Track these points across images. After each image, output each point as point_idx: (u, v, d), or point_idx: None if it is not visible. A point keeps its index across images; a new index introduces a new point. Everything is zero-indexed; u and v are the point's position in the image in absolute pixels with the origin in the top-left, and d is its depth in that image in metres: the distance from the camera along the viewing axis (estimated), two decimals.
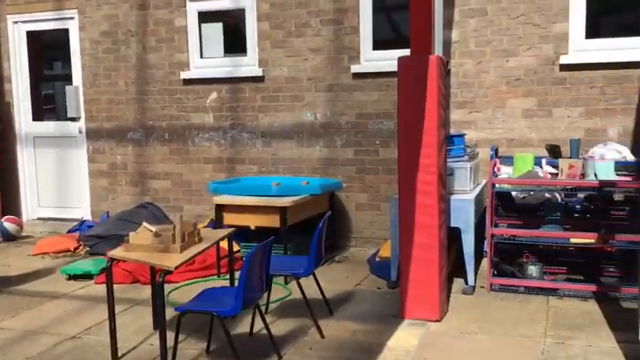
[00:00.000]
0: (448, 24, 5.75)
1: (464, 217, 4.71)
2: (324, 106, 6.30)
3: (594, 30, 5.42)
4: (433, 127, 4.06)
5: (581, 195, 5.01)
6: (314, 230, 4.20)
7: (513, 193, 5.12)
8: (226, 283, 4.78)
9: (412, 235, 4.21)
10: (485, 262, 5.40)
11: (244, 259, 3.40)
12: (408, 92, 4.12)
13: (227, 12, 6.80)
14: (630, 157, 4.78)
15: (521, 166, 4.81)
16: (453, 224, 4.69)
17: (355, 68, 6.12)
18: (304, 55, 6.32)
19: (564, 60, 5.40)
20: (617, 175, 4.65)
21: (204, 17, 6.83)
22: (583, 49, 5.39)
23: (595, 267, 4.99)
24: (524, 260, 4.90)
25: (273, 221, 5.34)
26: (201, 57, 6.85)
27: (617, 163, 4.67)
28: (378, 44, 6.15)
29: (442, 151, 4.22)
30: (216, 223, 5.58)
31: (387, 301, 4.70)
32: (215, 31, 6.92)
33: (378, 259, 5.50)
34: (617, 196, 5.03)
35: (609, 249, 4.84)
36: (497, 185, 4.85)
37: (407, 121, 4.14)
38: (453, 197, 4.71)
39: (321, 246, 4.27)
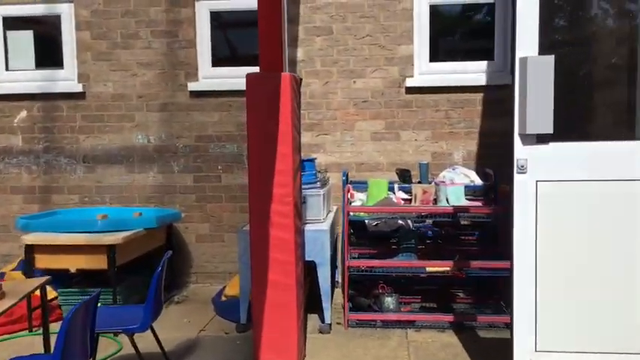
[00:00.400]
0: (293, 42, 5.42)
1: (319, 249, 4.33)
2: (157, 128, 5.63)
3: (439, 53, 5.41)
4: (288, 152, 3.63)
5: (429, 220, 4.91)
6: (148, 268, 3.54)
7: (366, 221, 4.88)
8: (40, 341, 3.91)
9: (266, 273, 3.73)
10: (338, 294, 5.11)
11: (63, 319, 2.67)
12: (258, 113, 3.65)
13: (39, 19, 5.86)
14: (478, 181, 4.76)
15: (376, 193, 4.57)
16: (307, 257, 4.29)
17: (193, 86, 5.54)
18: (133, 69, 5.61)
19: (410, 83, 5.31)
20: (467, 199, 4.59)
21: (11, 24, 5.82)
22: (427, 72, 5.35)
23: (447, 294, 4.91)
24: (380, 292, 4.65)
25: (98, 262, 4.54)
26: (7, 69, 5.83)
27: (466, 187, 4.62)
28: (219, 61, 5.64)
29: (297, 179, 3.81)
30: (26, 267, 4.64)
31: (238, 348, 4.16)
32: (24, 40, 5.92)
33: (224, 298, 4.94)
34: (464, 221, 5.00)
35: (460, 275, 4.76)
36: (351, 213, 4.56)
37: (258, 145, 3.66)
38: (307, 228, 4.31)
39: (161, 293, 3.62)
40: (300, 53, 5.43)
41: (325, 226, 4.46)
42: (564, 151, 2.98)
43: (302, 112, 5.39)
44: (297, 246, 3.76)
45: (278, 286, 3.73)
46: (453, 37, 5.58)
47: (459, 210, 4.39)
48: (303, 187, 4.35)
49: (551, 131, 2.90)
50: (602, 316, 3.06)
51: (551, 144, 2.98)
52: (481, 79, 5.24)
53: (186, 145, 5.61)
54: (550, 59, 2.85)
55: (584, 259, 3.04)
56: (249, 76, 3.67)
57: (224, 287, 5.15)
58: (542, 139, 2.97)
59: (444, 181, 4.68)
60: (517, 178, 3.00)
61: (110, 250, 4.53)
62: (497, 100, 5.24)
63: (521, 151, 2.98)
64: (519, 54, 2.91)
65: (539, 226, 3.03)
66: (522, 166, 2.98)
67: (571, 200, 3.00)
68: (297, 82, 3.84)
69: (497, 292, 4.77)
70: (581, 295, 3.06)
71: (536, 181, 3.00)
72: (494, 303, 4.71)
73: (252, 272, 3.78)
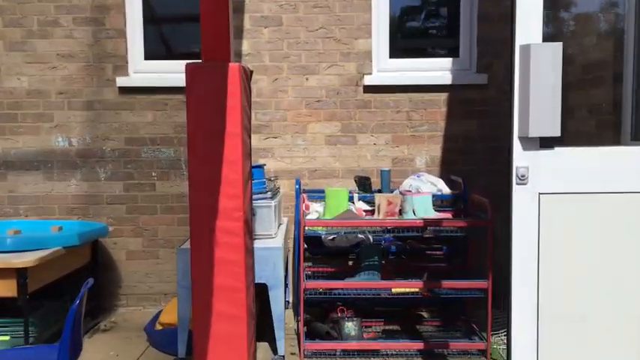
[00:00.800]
0: (238, 32, 4.82)
1: (272, 270, 3.75)
2: (81, 129, 4.90)
3: (399, 49, 4.94)
4: (237, 158, 3.04)
5: (389, 234, 4.40)
6: (69, 292, 2.87)
7: (322, 235, 4.33)
8: None
9: (210, 302, 3.13)
10: (290, 317, 4.55)
11: None
12: (201, 111, 3.05)
13: None
14: (446, 190, 4.30)
15: (335, 204, 4.03)
16: (257, 280, 3.70)
17: (122, 81, 4.85)
18: (52, 62, 4.87)
19: (368, 81, 4.81)
20: (434, 210, 4.12)
21: None
22: (387, 69, 4.86)
23: (412, 315, 4.44)
24: (339, 315, 4.11)
25: (5, 289, 3.79)
26: None
27: (434, 196, 4.16)
28: (153, 56, 4.97)
29: (248, 190, 3.23)
30: None
31: None
32: None
33: (159, 326, 4.26)
34: (428, 234, 4.51)
35: (428, 295, 4.29)
36: (307, 228, 4.00)
37: (200, 149, 3.06)
38: (256, 245, 3.73)
39: (80, 330, 2.95)
40: (245, 46, 4.84)
41: (278, 242, 3.89)
42: (573, 158, 2.51)
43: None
44: (247, 269, 3.17)
45: (225, 316, 3.14)
46: (414, 31, 5.11)
47: (431, 223, 3.90)
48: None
49: (559, 134, 2.43)
50: (616, 351, 2.62)
51: (557, 149, 2.51)
52: (446, 78, 4.79)
53: (115, 149, 4.90)
54: (558, 46, 2.38)
55: (596, 287, 2.59)
56: (189, 67, 3.06)
57: (159, 313, 4.47)
58: (546, 143, 2.50)
59: (409, 190, 4.19)
60: (516, 189, 2.52)
61: (20, 274, 3.79)
62: (463, 101, 4.81)
63: (521, 157, 2.50)
64: (520, 41, 2.44)
65: (541, 247, 2.55)
66: (523, 176, 2.50)
67: (581, 217, 2.54)
68: (247, 75, 3.26)
69: (464, 313, 4.33)
70: (591, 328, 2.61)
71: (539, 193, 2.52)
72: (463, 325, 4.26)
73: (194, 299, 3.18)
